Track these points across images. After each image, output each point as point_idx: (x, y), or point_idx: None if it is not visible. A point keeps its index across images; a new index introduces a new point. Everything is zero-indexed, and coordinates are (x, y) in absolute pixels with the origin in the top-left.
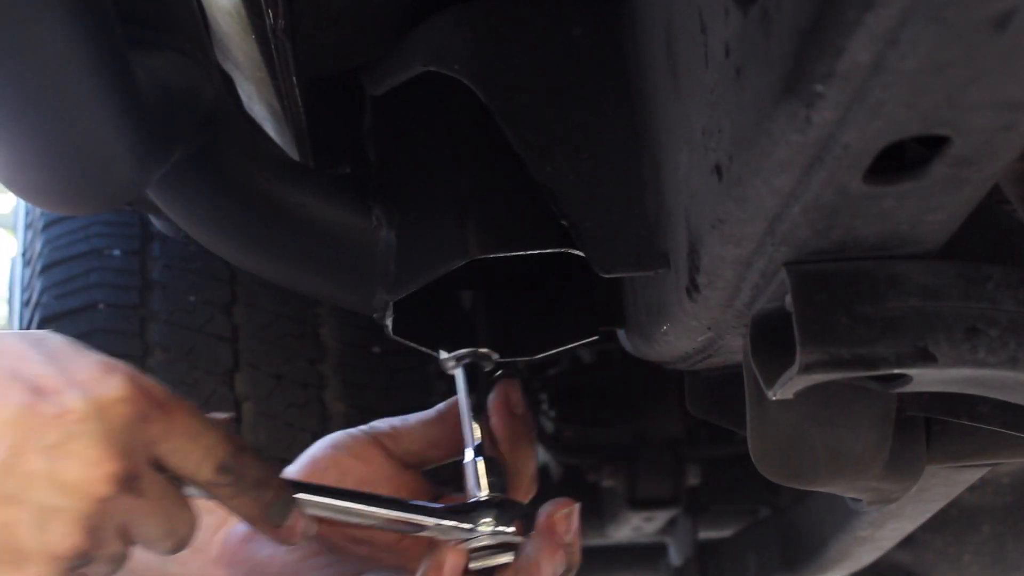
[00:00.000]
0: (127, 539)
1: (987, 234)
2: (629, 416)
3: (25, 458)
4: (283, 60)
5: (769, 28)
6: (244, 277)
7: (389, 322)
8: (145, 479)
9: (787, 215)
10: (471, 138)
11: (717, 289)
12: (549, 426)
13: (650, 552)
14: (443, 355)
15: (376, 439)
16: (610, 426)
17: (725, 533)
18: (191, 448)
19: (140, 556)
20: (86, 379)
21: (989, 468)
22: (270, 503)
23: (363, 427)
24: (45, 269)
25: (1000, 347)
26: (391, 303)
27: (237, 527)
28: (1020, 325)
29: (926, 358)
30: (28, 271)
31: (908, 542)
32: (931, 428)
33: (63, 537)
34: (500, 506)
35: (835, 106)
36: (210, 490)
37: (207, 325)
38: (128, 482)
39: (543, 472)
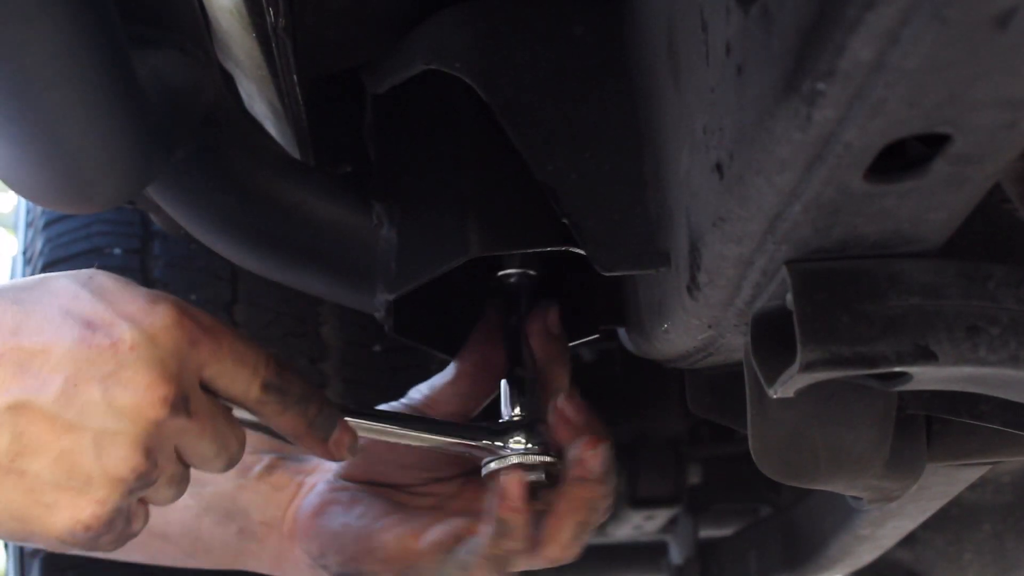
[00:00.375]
0: (183, 460)
1: (988, 233)
2: (630, 415)
3: (82, 388)
4: (284, 59)
5: (770, 26)
6: (245, 276)
7: (390, 320)
8: (195, 400)
9: (788, 213)
10: (472, 136)
11: (718, 287)
12: None
13: (651, 551)
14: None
15: (416, 410)
16: (611, 425)
17: (726, 532)
18: (239, 369)
19: (217, 534)
20: (135, 311)
21: (989, 467)
22: (315, 417)
23: (402, 401)
24: (46, 268)
25: (1001, 345)
26: (392, 301)
27: (307, 501)
28: (1021, 324)
29: (927, 356)
30: (29, 270)
31: (909, 540)
32: (932, 426)
33: (122, 460)
34: (529, 427)
35: (836, 104)
36: (258, 408)
37: None
38: (180, 404)
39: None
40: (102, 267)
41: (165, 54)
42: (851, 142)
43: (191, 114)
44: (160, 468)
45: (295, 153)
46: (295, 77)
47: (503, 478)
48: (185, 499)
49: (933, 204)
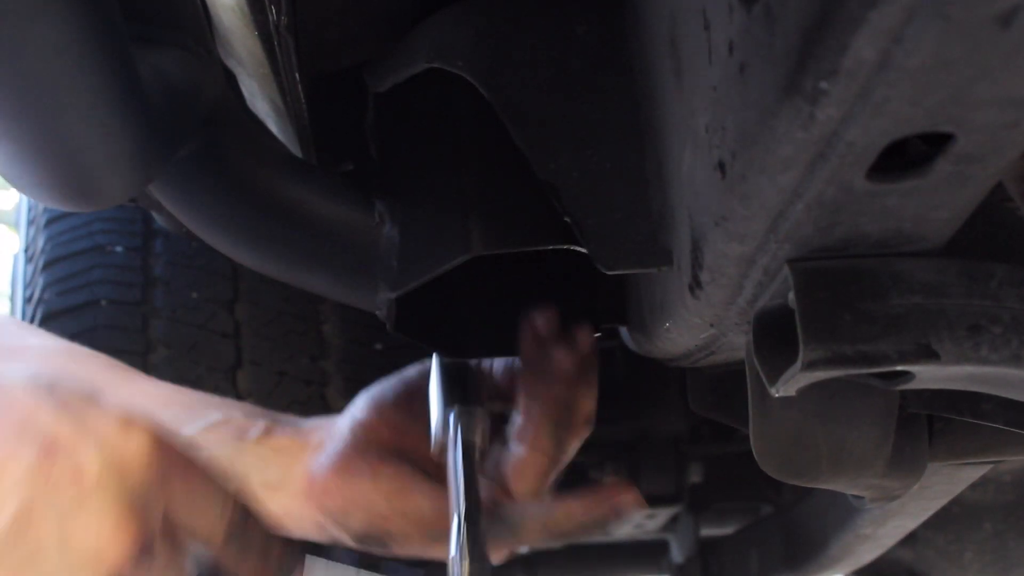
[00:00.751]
0: None
1: (990, 232)
2: (631, 413)
3: (36, 523)
4: (286, 56)
5: (773, 25)
6: (246, 274)
7: (391, 318)
8: (159, 542)
9: (791, 212)
10: (474, 135)
11: (720, 286)
12: None
13: (652, 549)
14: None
15: (409, 387)
16: (612, 423)
17: (727, 531)
18: (206, 509)
19: None
20: (105, 433)
21: (991, 466)
22: (275, 566)
23: (396, 380)
24: (47, 265)
25: (1003, 344)
26: (393, 299)
27: (322, 459)
28: (1023, 323)
29: (929, 355)
30: (30, 267)
31: (909, 540)
32: (933, 425)
33: None
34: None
35: (839, 103)
36: (219, 552)
37: (209, 322)
38: (146, 549)
39: None
40: (103, 265)
41: (168, 52)
42: (854, 141)
43: (193, 112)
44: None
45: (297, 151)
46: (297, 75)
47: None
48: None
49: (935, 203)
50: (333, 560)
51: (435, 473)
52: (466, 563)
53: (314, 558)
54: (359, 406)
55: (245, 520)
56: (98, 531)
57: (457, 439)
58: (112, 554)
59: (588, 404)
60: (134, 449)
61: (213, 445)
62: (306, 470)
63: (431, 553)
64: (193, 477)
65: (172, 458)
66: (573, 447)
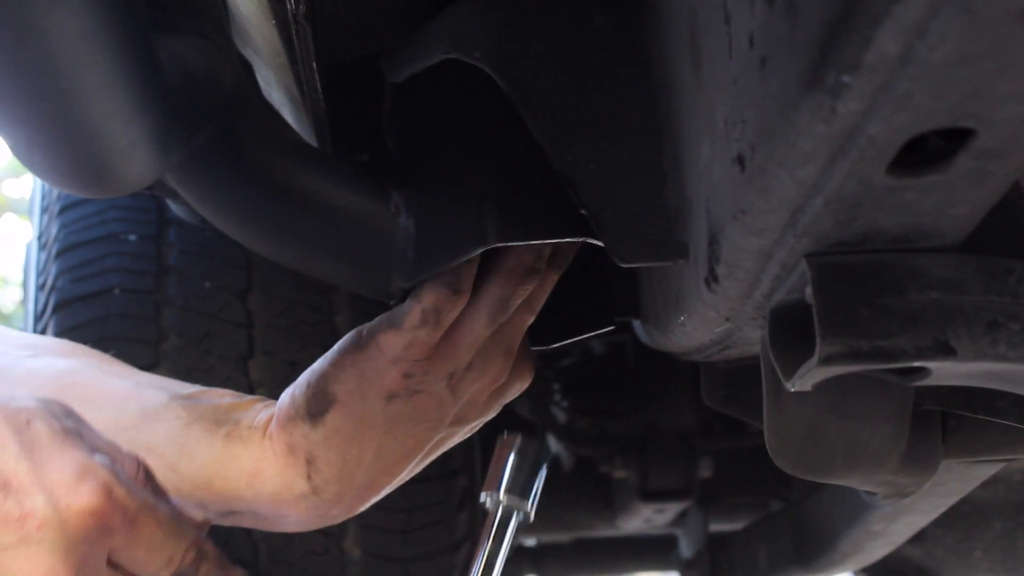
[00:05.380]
0: None
1: (1009, 228)
2: (641, 407)
3: None
4: (303, 46)
5: (795, 18)
6: (260, 264)
7: None
8: None
9: (810, 206)
10: (490, 126)
11: (737, 280)
12: (561, 416)
13: (661, 544)
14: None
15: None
16: (622, 417)
17: (736, 526)
18: (151, 557)
19: (204, 439)
20: (56, 483)
21: (1003, 464)
22: None
23: (360, 331)
24: (61, 253)
25: (1021, 341)
26: (408, 290)
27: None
28: None
29: (946, 351)
30: (44, 255)
31: (919, 537)
32: (947, 423)
33: None
34: None
35: (861, 97)
36: None
37: (222, 311)
38: None
39: (555, 462)
40: (117, 254)
41: (185, 40)
42: (875, 135)
43: (211, 100)
44: None
45: (312, 141)
46: (314, 64)
47: None
48: (177, 411)
49: (955, 199)
50: None
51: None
52: None
53: None
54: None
55: (198, 564)
56: (31, 571)
57: (495, 523)
58: None
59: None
60: (79, 504)
61: (213, 396)
62: (268, 417)
63: (364, 378)
64: (140, 531)
65: (119, 513)
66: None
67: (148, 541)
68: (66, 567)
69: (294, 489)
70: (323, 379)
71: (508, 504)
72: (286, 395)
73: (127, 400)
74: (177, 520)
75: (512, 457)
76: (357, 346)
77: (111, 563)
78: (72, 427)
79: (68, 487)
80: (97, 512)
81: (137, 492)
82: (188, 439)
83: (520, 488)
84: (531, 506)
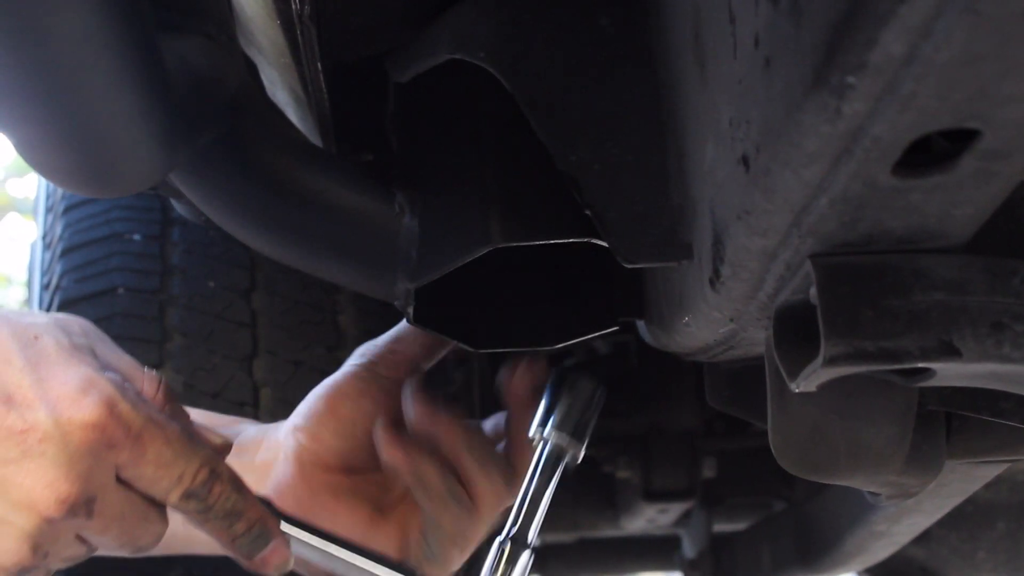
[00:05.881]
0: (84, 543)
1: (1013, 229)
2: (644, 407)
3: None
4: (308, 45)
5: (800, 18)
6: (264, 263)
7: (410, 310)
8: (103, 501)
9: (814, 207)
10: (495, 126)
11: (741, 280)
12: None
13: (664, 544)
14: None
15: (370, 371)
16: (625, 417)
17: (740, 526)
18: (160, 474)
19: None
20: (59, 396)
21: (1007, 465)
22: (240, 535)
23: (355, 363)
24: (65, 253)
25: None
26: (412, 290)
27: (270, 487)
28: None
29: (951, 352)
30: (48, 255)
31: (923, 538)
32: (951, 423)
33: (5, 552)
34: None
35: (866, 98)
36: (179, 510)
37: (226, 311)
38: (80, 506)
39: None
40: (121, 253)
41: (190, 40)
42: (880, 136)
43: (215, 100)
44: (52, 556)
45: (317, 141)
46: (319, 64)
47: None
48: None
49: (960, 199)
50: (309, 533)
51: (385, 498)
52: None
53: (290, 530)
54: (295, 426)
55: (209, 490)
56: (33, 484)
57: (542, 460)
58: (43, 506)
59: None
60: (82, 417)
61: None
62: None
63: None
64: (146, 447)
65: (123, 428)
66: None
67: (156, 458)
68: (68, 480)
69: None
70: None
71: (558, 442)
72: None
73: None
74: (189, 440)
75: (566, 393)
76: None
77: (121, 480)
78: (83, 343)
79: (71, 400)
80: (99, 425)
81: (143, 408)
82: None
83: (572, 427)
84: (582, 448)
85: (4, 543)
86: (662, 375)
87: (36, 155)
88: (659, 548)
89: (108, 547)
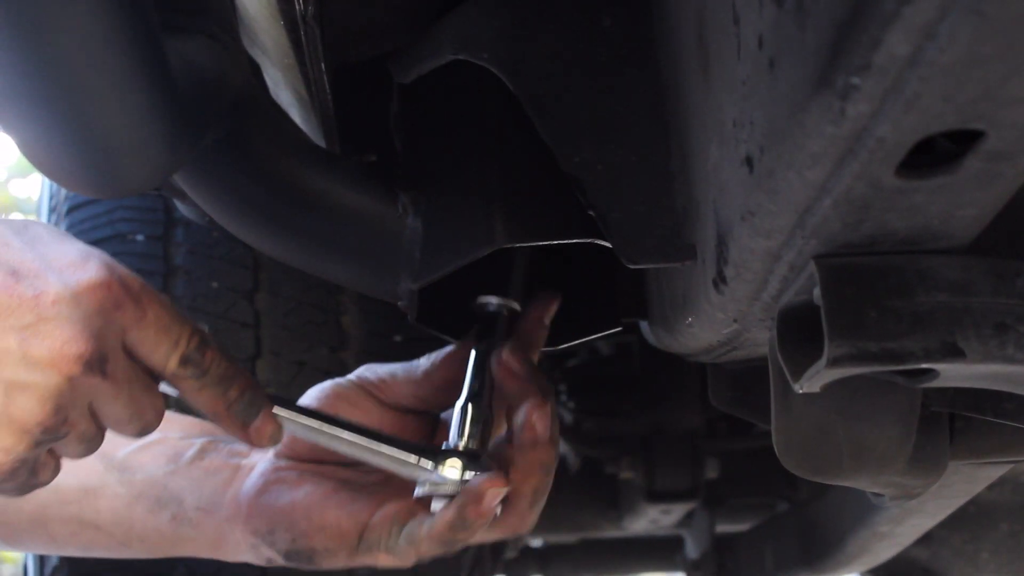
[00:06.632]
0: (95, 419)
1: (1017, 230)
2: (647, 408)
3: (0, 335)
4: (312, 47)
5: (804, 19)
6: (267, 264)
7: (413, 309)
8: (114, 363)
9: (818, 208)
10: (498, 127)
11: (745, 281)
12: (568, 417)
13: (667, 545)
14: (484, 299)
15: (365, 388)
16: (629, 418)
17: (742, 527)
18: (160, 338)
19: (150, 522)
20: (64, 264)
21: (1011, 466)
22: (235, 400)
23: (351, 377)
24: None
25: None
26: (416, 291)
27: (249, 482)
28: None
29: (954, 353)
30: None
31: (925, 539)
32: (954, 424)
33: (30, 412)
34: (470, 456)
35: (870, 99)
36: (175, 381)
37: (230, 311)
38: (96, 363)
39: (560, 463)
40: (124, 254)
41: (194, 40)
42: (884, 137)
43: (219, 101)
44: (70, 423)
45: (320, 142)
46: (323, 65)
47: (481, 484)
48: (115, 487)
49: (963, 201)
50: (296, 411)
51: (357, 480)
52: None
53: (279, 408)
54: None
55: (202, 354)
56: (51, 343)
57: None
58: (63, 363)
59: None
60: (88, 278)
61: (148, 465)
62: (235, 493)
63: (357, 565)
64: (147, 308)
65: (125, 289)
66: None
67: (155, 320)
68: (84, 337)
69: (251, 561)
70: (310, 551)
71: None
72: (253, 496)
73: (65, 469)
74: (177, 309)
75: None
76: (355, 547)
77: (125, 350)
78: (67, 233)
79: (75, 266)
80: (105, 284)
81: (136, 275)
82: (134, 521)
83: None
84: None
85: (28, 404)
86: (665, 376)
87: (40, 155)
88: (662, 549)
89: (117, 424)
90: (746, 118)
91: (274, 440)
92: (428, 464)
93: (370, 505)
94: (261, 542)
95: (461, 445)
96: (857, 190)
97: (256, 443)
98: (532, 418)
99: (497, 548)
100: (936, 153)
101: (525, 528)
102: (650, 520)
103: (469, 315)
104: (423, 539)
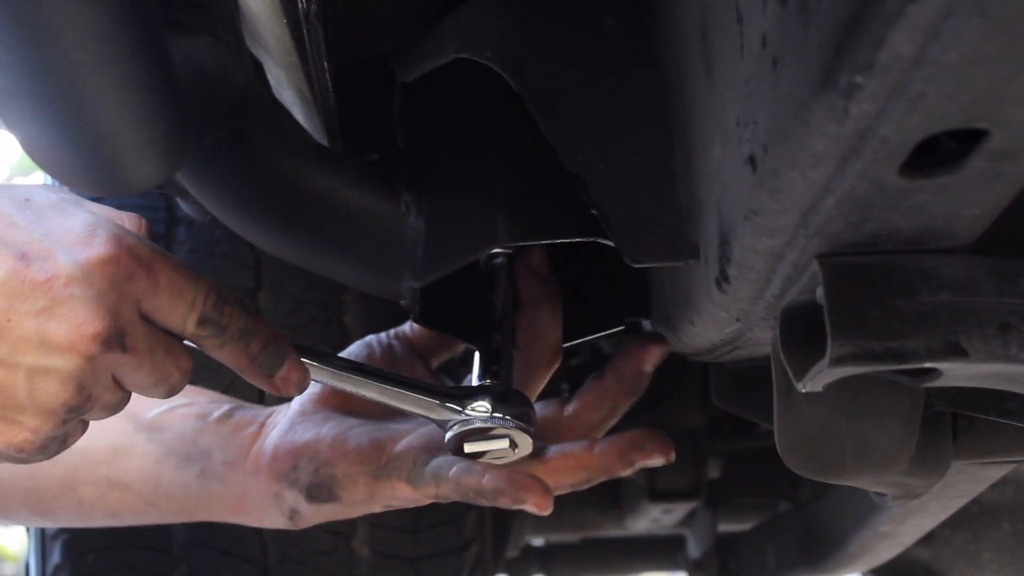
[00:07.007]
0: (120, 387)
1: (1021, 230)
2: (649, 407)
3: (16, 322)
4: (314, 45)
5: (808, 19)
6: (269, 263)
7: (416, 308)
8: (133, 335)
9: (821, 207)
10: (501, 126)
11: (748, 281)
12: None
13: (669, 544)
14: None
15: (401, 339)
16: (631, 417)
17: (744, 527)
18: (175, 303)
19: (179, 477)
20: (71, 242)
21: (1014, 465)
22: (258, 353)
23: (379, 336)
24: None
25: None
26: (418, 289)
27: (273, 432)
28: None
29: (958, 352)
30: None
31: (927, 539)
32: (957, 424)
33: (54, 395)
34: (497, 395)
35: (874, 98)
36: (196, 342)
37: None
38: (114, 340)
39: None
40: None
41: (197, 39)
42: (888, 136)
43: (222, 99)
44: (95, 398)
45: (323, 140)
46: (325, 64)
47: (529, 486)
48: (145, 445)
49: (967, 200)
50: (320, 359)
51: (384, 419)
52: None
53: (304, 356)
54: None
55: (220, 311)
56: (68, 326)
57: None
58: (82, 344)
59: (552, 332)
60: (98, 254)
61: (177, 424)
62: (260, 446)
63: (376, 497)
64: (159, 274)
65: (135, 259)
66: (541, 377)
67: (169, 285)
68: (100, 316)
69: (276, 521)
70: (331, 480)
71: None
72: (278, 439)
73: (93, 431)
74: (191, 267)
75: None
76: (375, 473)
77: (142, 316)
78: (71, 197)
79: (83, 243)
80: (115, 258)
81: (146, 241)
82: (162, 477)
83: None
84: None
85: (51, 387)
86: (667, 375)
87: (42, 153)
88: (664, 548)
89: (144, 388)
90: (749, 117)
91: (300, 388)
92: (454, 406)
93: (394, 434)
94: (284, 485)
95: (487, 383)
96: (860, 189)
97: (283, 391)
98: (645, 350)
99: (499, 547)
100: (939, 152)
101: (582, 447)
102: (652, 519)
103: (471, 312)
104: (448, 479)
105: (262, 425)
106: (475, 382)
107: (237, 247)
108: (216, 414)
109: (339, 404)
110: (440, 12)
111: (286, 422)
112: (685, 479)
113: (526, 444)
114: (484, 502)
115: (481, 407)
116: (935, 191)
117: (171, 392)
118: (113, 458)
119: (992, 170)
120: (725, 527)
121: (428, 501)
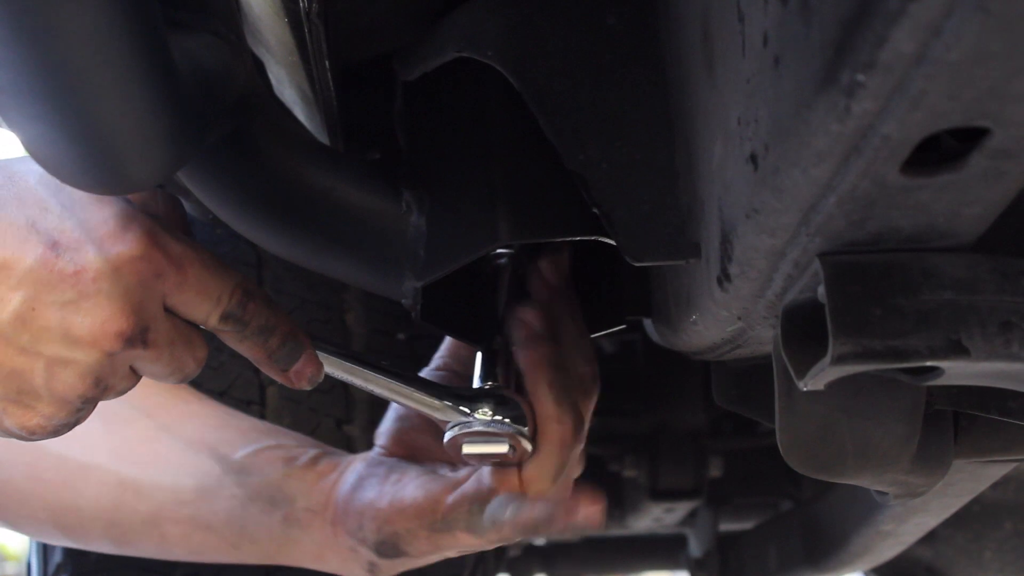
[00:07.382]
0: (135, 375)
1: (1022, 228)
2: (651, 406)
3: (40, 312)
4: (316, 44)
5: (810, 17)
6: (270, 261)
7: (417, 307)
8: (154, 330)
9: (823, 206)
10: (503, 125)
11: (749, 279)
12: None
13: (670, 544)
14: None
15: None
16: (632, 416)
17: (746, 526)
18: (200, 299)
19: (263, 522)
20: (103, 235)
21: (1015, 464)
22: (276, 349)
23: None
24: None
25: None
26: (420, 288)
27: (346, 480)
28: None
29: (959, 351)
30: None
31: (929, 538)
32: (959, 423)
33: (71, 387)
34: (499, 399)
35: (876, 96)
36: (217, 334)
37: None
38: (137, 337)
39: None
40: None
41: (199, 38)
42: (889, 135)
43: (223, 98)
44: (110, 388)
45: (324, 139)
46: (327, 63)
47: (581, 502)
48: (232, 488)
49: (969, 198)
50: (334, 354)
51: (441, 470)
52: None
53: (318, 351)
54: (384, 430)
55: (243, 308)
56: (92, 321)
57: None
58: (104, 340)
59: (584, 364)
60: (129, 250)
61: (264, 467)
62: (335, 494)
63: (441, 547)
64: (187, 272)
65: (166, 256)
66: (587, 409)
67: (196, 282)
68: (125, 314)
69: (356, 573)
70: (394, 537)
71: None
72: (347, 494)
73: (182, 470)
74: (221, 263)
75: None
76: (433, 527)
77: (166, 309)
78: None
79: (115, 237)
80: (145, 256)
81: (179, 236)
82: (247, 521)
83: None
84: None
85: (69, 379)
86: (669, 374)
87: (43, 152)
88: (665, 547)
89: (160, 377)
90: (751, 116)
91: (312, 382)
92: (457, 407)
93: (447, 485)
94: (356, 541)
95: (491, 386)
96: (862, 188)
97: (296, 385)
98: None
99: (499, 547)
100: (941, 151)
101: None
102: (654, 518)
103: (473, 313)
104: (508, 523)
105: (342, 473)
106: (477, 384)
107: (238, 246)
108: (303, 460)
109: (404, 453)
110: (441, 11)
111: (355, 477)
112: (687, 478)
113: (525, 448)
114: (545, 530)
115: (483, 410)
116: (937, 189)
117: (184, 380)
118: (199, 499)
119: (994, 168)
120: (727, 526)
121: (496, 546)
